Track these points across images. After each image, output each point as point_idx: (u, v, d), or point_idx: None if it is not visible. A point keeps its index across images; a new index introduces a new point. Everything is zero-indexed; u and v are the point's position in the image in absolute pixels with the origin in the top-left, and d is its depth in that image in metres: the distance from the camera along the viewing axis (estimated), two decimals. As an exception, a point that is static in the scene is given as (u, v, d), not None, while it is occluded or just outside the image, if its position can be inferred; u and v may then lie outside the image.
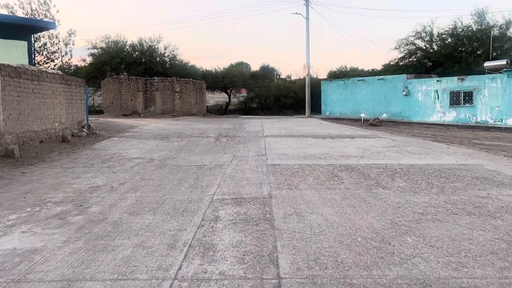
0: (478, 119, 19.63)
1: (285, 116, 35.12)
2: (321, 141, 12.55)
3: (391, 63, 32.08)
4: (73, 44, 34.84)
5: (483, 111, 19.42)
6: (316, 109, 35.27)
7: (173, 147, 11.05)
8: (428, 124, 21.28)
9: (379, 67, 48.64)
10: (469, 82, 19.84)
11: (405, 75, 23.38)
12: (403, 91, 22.77)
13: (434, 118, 21.46)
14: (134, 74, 33.70)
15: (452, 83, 20.56)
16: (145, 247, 3.76)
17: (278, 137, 13.70)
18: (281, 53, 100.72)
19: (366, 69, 48.08)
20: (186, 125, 19.15)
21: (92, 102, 40.88)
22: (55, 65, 28.01)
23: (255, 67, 63.10)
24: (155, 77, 30.52)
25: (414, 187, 6.24)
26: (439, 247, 3.76)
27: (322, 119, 26.88)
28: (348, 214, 4.80)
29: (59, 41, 34.71)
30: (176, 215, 4.77)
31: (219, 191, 5.98)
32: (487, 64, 20.79)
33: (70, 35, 35.16)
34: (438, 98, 21.20)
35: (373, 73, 38.96)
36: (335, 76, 40.05)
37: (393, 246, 3.78)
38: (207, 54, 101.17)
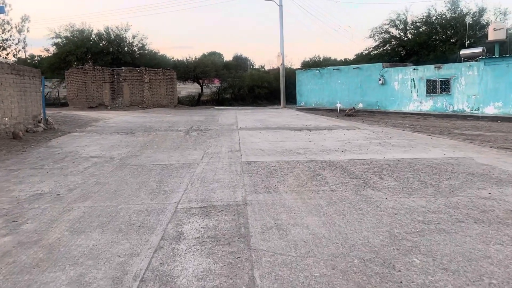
0: (455, 108, 19.37)
1: (260, 107, 34.31)
2: (299, 133, 11.81)
3: (364, 52, 31.65)
4: (28, 31, 32.48)
5: (460, 99, 19.16)
6: (290, 99, 34.60)
7: (138, 143, 10.06)
8: (404, 113, 20.92)
9: (352, 56, 48.50)
10: (446, 70, 19.53)
11: (381, 63, 22.92)
12: (379, 80, 22.32)
13: (411, 107, 21.11)
14: (101, 64, 32.04)
15: (428, 71, 20.21)
16: (83, 284, 2.88)
17: (253, 130, 12.87)
18: (255, 43, 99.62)
19: (339, 59, 47.79)
20: (154, 118, 18.05)
21: (57, 94, 38.94)
22: (7, 54, 26.06)
23: (228, 57, 61.87)
24: (123, 67, 29.05)
25: (406, 187, 5.55)
26: (455, 270, 3.03)
27: (298, 109, 26.22)
28: (338, 225, 4.04)
29: (11, 28, 32.41)
30: (129, 233, 3.88)
31: (185, 197, 5.12)
32: (463, 52, 20.53)
33: (23, 21, 32.84)
34: (414, 87, 20.83)
35: (346, 62, 38.57)
36: (308, 66, 39.41)
37: (399, 271, 3.03)
38: (178, 44, 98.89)
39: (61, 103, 35.50)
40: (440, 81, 19.78)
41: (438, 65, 20.01)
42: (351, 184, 5.70)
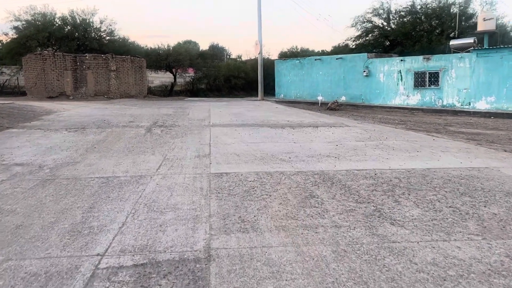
0: (445, 102, 18.13)
1: (236, 98, 32.52)
2: (280, 131, 10.15)
3: (345, 42, 30.23)
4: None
5: (450, 93, 17.92)
6: (268, 91, 32.92)
7: (85, 144, 8.18)
8: (390, 107, 19.57)
9: (330, 48, 47.20)
10: (435, 62, 18.23)
11: (365, 54, 21.46)
12: (364, 71, 20.87)
13: (397, 101, 19.78)
14: (66, 51, 29.50)
15: (416, 63, 18.87)
16: None
17: (228, 126, 11.14)
18: (232, 33, 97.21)
19: (317, 50, 46.43)
20: (117, 110, 16.05)
21: (17, 82, 35.98)
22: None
23: (204, 46, 59.68)
24: (86, 54, 26.66)
25: (436, 218, 3.98)
26: None
27: (277, 102, 24.56)
28: (361, 310, 2.40)
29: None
30: None
31: (117, 242, 3.38)
32: (453, 42, 19.29)
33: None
34: (401, 80, 19.48)
35: (324, 54, 37.15)
36: (286, 57, 37.75)
37: None
38: (153, 33, 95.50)
39: (21, 92, 32.70)
40: (429, 73, 18.48)
41: (427, 56, 18.69)
42: (360, 214, 4.09)
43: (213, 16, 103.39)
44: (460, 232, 3.64)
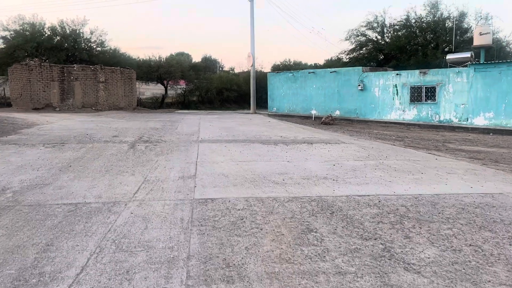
0: (442, 118, 17.69)
1: (228, 111, 31.99)
2: (273, 149, 9.54)
3: (338, 56, 29.89)
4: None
5: (447, 108, 17.50)
6: (261, 104, 32.44)
7: (60, 162, 7.49)
8: (386, 122, 19.10)
9: (322, 61, 47.02)
10: (432, 76, 17.83)
11: (360, 67, 21.05)
12: (359, 85, 20.43)
13: (393, 116, 19.32)
14: (55, 62, 28.83)
15: (413, 77, 18.47)
16: None
17: (217, 142, 10.50)
18: (225, 46, 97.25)
19: (309, 63, 46.27)
20: (102, 123, 15.35)
21: (3, 93, 35.10)
22: None
23: (197, 58, 59.39)
24: (74, 65, 26.00)
25: (456, 260, 3.36)
26: None
27: (269, 115, 24.01)
28: None
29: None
30: None
31: (70, 297, 2.71)
32: (449, 56, 18.95)
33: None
34: (397, 94, 19.05)
35: (317, 67, 36.87)
36: (278, 69, 37.41)
37: None
38: (146, 44, 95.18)
39: (7, 103, 31.84)
40: (426, 88, 18.07)
41: (423, 70, 18.30)
42: (367, 255, 3.46)
43: (206, 29, 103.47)
44: (489, 281, 3.02)
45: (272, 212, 4.59)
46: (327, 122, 18.74)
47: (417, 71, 18.36)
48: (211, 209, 4.68)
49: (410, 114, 18.65)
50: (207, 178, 6.30)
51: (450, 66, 18.42)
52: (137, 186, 5.72)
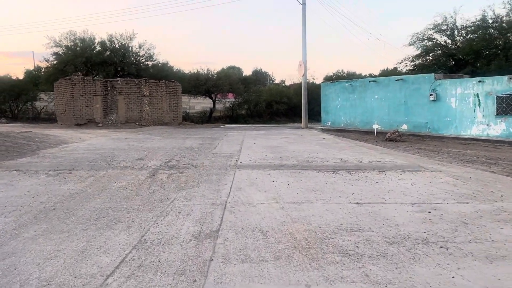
0: (540, 134, 14.33)
1: (277, 125, 29.80)
2: (333, 179, 7.12)
3: (403, 62, 26.78)
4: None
5: (547, 122, 14.12)
6: (313, 117, 29.99)
7: (46, 201, 5.59)
8: (465, 139, 15.94)
9: (377, 72, 43.61)
10: (526, 83, 14.55)
11: (432, 74, 17.99)
12: (430, 95, 17.42)
13: (474, 131, 16.11)
14: (104, 76, 28.32)
15: (500, 84, 15.24)
16: None
17: (260, 168, 8.25)
18: (276, 59, 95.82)
19: (364, 74, 43.10)
20: (136, 142, 13.67)
21: (54, 108, 35.35)
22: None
23: (247, 71, 58.17)
24: (118, 78, 25.09)
25: None
26: None
27: (323, 130, 21.47)
28: None
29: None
30: None
31: None
32: (547, 58, 15.53)
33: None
34: (479, 105, 15.87)
35: (373, 77, 33.77)
36: (331, 81, 34.80)
37: None
38: (196, 60, 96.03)
39: (54, 119, 31.85)
40: (517, 97, 14.80)
41: (513, 75, 15.05)
42: None
43: (258, 43, 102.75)
44: None
45: None
46: (393, 138, 15.94)
47: (505, 77, 15.13)
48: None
49: (497, 129, 15.38)
50: (235, 238, 4.05)
51: (548, 70, 15.03)
52: (121, 256, 3.59)
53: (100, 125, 23.33)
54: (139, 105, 24.68)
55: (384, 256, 3.59)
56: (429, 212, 5.04)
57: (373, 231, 4.29)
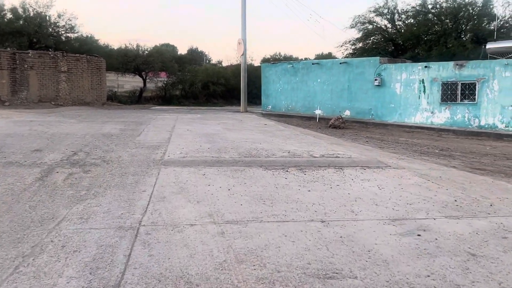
0: (483, 122, 14.06)
1: (214, 107, 28.02)
2: (284, 180, 5.67)
3: (344, 45, 26.09)
4: None
5: (490, 111, 13.86)
6: (251, 100, 28.55)
7: None
8: (409, 127, 15.40)
9: (313, 56, 43.02)
10: (471, 70, 14.16)
11: (377, 58, 17.21)
12: (375, 80, 16.67)
13: (418, 118, 15.62)
14: (18, 49, 24.52)
15: (445, 70, 14.77)
16: None
17: (193, 165, 6.59)
18: (213, 39, 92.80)
19: (300, 58, 42.45)
20: (42, 125, 11.29)
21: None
22: None
23: (183, 50, 55.21)
24: (29, 50, 21.75)
25: None
26: None
27: (263, 115, 20.12)
28: None
29: None
30: None
31: None
32: (490, 46, 15.32)
33: None
34: (424, 91, 15.35)
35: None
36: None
37: None
38: (129, 37, 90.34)
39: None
40: (462, 84, 14.40)
41: (459, 62, 14.61)
42: None
43: (195, 21, 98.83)
44: None
45: None
46: (337, 125, 14.99)
47: (451, 63, 14.67)
48: None
49: (441, 117, 14.97)
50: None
51: (491, 57, 14.80)
52: None
53: (7, 103, 20.04)
54: (55, 82, 21.61)
55: None
56: (419, 235, 3.75)
57: (356, 277, 2.88)
